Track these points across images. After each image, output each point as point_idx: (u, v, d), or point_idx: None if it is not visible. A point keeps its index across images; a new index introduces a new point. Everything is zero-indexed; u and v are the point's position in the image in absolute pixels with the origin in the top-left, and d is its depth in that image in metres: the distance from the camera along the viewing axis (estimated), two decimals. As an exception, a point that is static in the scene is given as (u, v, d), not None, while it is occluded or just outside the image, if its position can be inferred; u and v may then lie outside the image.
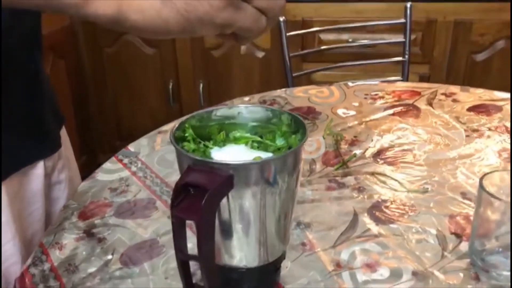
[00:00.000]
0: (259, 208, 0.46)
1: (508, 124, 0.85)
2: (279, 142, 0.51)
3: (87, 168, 2.29)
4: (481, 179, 0.51)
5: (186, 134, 0.50)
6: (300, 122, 0.51)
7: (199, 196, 0.40)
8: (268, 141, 0.52)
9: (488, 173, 0.51)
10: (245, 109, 0.54)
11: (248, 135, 0.53)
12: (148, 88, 2.05)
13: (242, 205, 0.45)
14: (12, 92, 0.62)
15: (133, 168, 0.75)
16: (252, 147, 0.51)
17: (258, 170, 0.43)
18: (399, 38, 1.50)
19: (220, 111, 0.54)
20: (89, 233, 0.61)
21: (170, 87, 2.01)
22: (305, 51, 1.47)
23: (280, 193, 0.46)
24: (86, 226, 0.62)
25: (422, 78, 1.88)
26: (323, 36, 1.79)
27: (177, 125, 0.49)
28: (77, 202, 0.68)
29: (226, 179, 0.41)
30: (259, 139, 0.52)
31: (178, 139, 0.49)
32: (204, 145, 0.51)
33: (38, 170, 0.68)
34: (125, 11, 0.38)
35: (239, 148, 0.49)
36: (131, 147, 0.82)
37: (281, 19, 1.36)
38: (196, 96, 2.02)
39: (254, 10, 0.41)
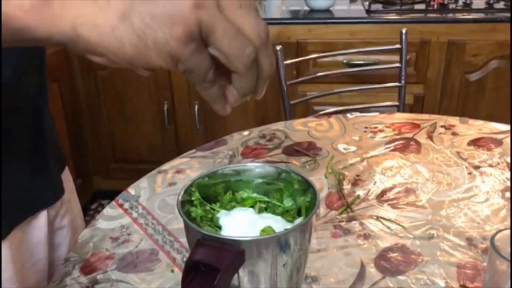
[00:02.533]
0: (270, 271, 0.45)
1: (509, 160, 0.85)
2: (287, 203, 0.51)
3: (83, 191, 2.26)
4: (492, 238, 0.50)
5: (193, 198, 0.49)
6: (307, 182, 0.50)
7: (210, 275, 0.39)
8: (275, 200, 0.51)
9: (500, 231, 0.51)
10: (252, 166, 0.53)
11: (255, 195, 0.52)
12: (142, 110, 2.04)
13: (252, 272, 0.44)
14: (15, 141, 0.61)
15: (134, 214, 0.74)
16: (259, 208, 0.51)
17: (270, 243, 0.42)
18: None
19: (226, 169, 0.53)
20: (91, 290, 0.60)
21: (165, 108, 2.00)
22: (302, 78, 1.47)
23: (292, 255, 0.46)
24: (88, 281, 0.61)
25: (417, 98, 1.89)
26: (318, 58, 1.79)
27: (184, 190, 0.48)
28: (78, 254, 0.66)
29: (238, 255, 0.40)
30: (266, 199, 0.52)
31: (184, 201, 0.48)
32: (210, 207, 0.50)
33: (41, 220, 0.66)
34: (79, 27, 0.34)
35: (247, 213, 0.48)
36: (131, 190, 0.81)
37: (278, 47, 1.35)
38: (191, 118, 2.01)
39: (209, 57, 0.35)
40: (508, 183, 0.78)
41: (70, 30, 0.34)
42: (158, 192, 0.80)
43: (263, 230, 0.44)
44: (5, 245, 0.61)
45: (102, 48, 0.35)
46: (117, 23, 0.34)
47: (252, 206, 0.50)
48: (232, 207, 0.50)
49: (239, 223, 0.46)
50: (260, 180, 0.53)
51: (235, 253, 0.40)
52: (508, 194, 0.76)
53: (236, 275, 0.42)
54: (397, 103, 1.45)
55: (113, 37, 0.34)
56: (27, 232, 0.65)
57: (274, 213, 0.50)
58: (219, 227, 0.46)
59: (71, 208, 0.75)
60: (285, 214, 0.50)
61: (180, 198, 0.46)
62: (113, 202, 0.78)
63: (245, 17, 0.35)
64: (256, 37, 0.36)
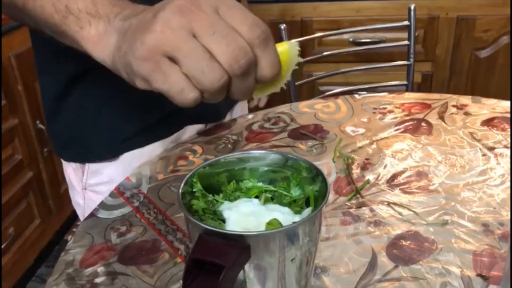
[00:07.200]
0: (278, 265, 0.42)
1: (525, 140, 0.82)
2: (295, 192, 0.48)
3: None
4: (512, 226, 0.47)
5: (194, 189, 0.46)
6: (316, 170, 0.47)
7: (214, 273, 0.36)
8: (282, 190, 0.49)
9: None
10: (257, 154, 0.51)
11: (260, 184, 0.49)
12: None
13: (259, 267, 0.42)
14: None
15: (136, 203, 0.72)
16: (265, 199, 0.48)
17: (277, 238, 0.40)
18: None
19: (230, 157, 0.50)
20: (92, 283, 0.58)
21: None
22: (307, 58, 1.42)
23: (301, 248, 0.43)
24: (88, 275, 0.59)
25: (425, 76, 1.84)
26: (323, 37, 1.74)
27: (184, 180, 0.45)
28: (78, 245, 0.64)
29: (243, 250, 0.38)
30: (272, 188, 0.49)
31: (185, 193, 0.45)
32: (213, 199, 0.47)
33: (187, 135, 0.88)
34: (112, 59, 0.42)
35: (252, 204, 0.46)
36: (132, 178, 0.78)
37: (282, 26, 1.31)
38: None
39: (181, 79, 0.36)
40: (525, 165, 0.75)
41: (108, 59, 0.43)
42: (160, 180, 0.77)
43: (269, 223, 0.41)
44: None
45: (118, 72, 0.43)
46: (115, 53, 0.41)
47: (257, 196, 0.47)
48: (236, 198, 0.47)
49: (243, 216, 0.43)
50: (265, 168, 0.50)
51: (240, 249, 0.37)
52: (524, 177, 0.73)
53: (242, 276, 0.40)
54: (405, 82, 1.41)
55: (116, 65, 0.42)
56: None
57: (280, 203, 0.47)
58: (223, 220, 0.44)
59: None
60: (292, 204, 0.47)
61: (180, 189, 0.44)
62: (114, 191, 0.75)
63: (217, 44, 0.35)
64: (228, 66, 0.35)
